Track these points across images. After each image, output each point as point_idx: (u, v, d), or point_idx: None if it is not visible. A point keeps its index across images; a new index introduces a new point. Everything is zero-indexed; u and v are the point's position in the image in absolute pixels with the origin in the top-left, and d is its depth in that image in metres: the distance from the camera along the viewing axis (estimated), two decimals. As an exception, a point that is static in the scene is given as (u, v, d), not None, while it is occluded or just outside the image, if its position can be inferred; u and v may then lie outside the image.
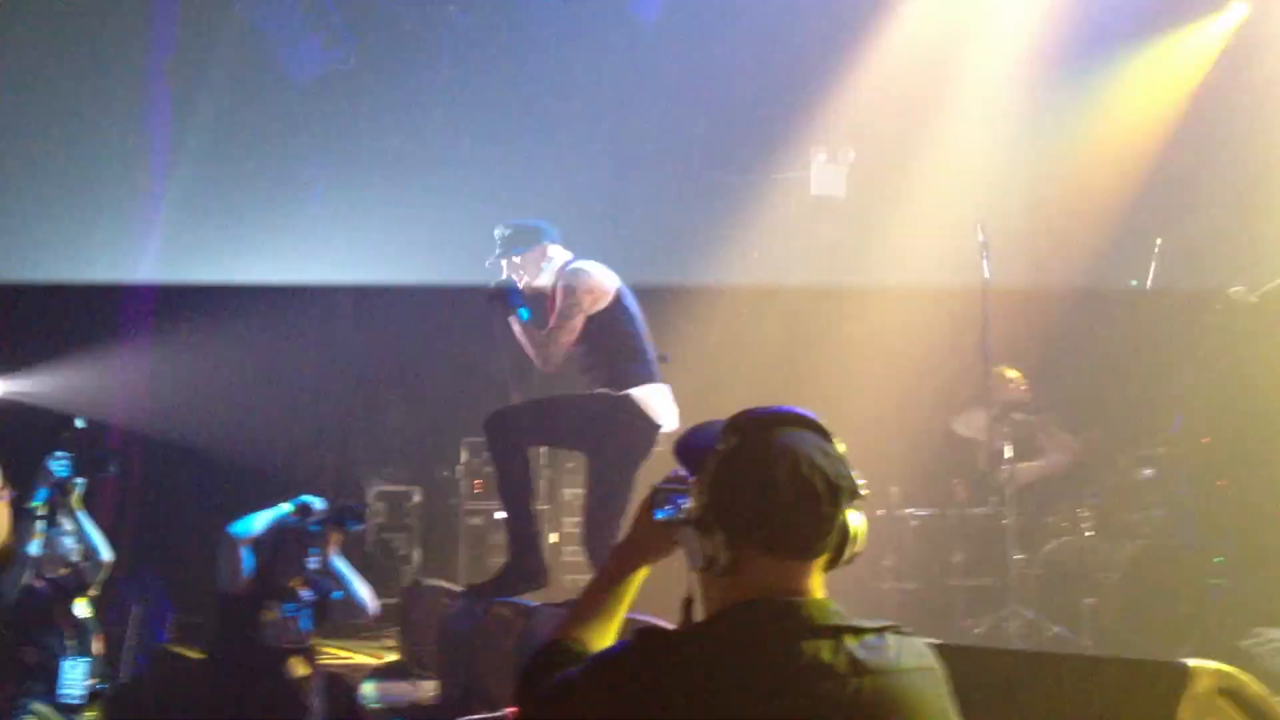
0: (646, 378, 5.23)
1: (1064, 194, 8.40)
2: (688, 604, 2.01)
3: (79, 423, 5.10)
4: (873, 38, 8.56)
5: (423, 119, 9.09)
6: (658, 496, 2.03)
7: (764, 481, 1.87)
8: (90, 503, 5.38)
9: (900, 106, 8.88)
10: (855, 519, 1.95)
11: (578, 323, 5.20)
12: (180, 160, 7.89)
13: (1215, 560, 6.14)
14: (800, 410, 1.99)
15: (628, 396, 5.14)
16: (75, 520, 5.24)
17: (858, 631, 1.85)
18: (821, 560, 1.93)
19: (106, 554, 5.40)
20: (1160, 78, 8.15)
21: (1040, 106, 8.32)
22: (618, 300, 5.30)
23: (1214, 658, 4.90)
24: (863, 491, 1.96)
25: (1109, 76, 8.28)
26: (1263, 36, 7.61)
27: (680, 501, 1.99)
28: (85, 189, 7.55)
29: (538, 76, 9.11)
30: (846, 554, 1.96)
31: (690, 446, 2.04)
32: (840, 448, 1.97)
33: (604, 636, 2.06)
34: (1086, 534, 6.80)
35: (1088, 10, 8.09)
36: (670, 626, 1.99)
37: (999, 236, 6.88)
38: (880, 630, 1.88)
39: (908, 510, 7.06)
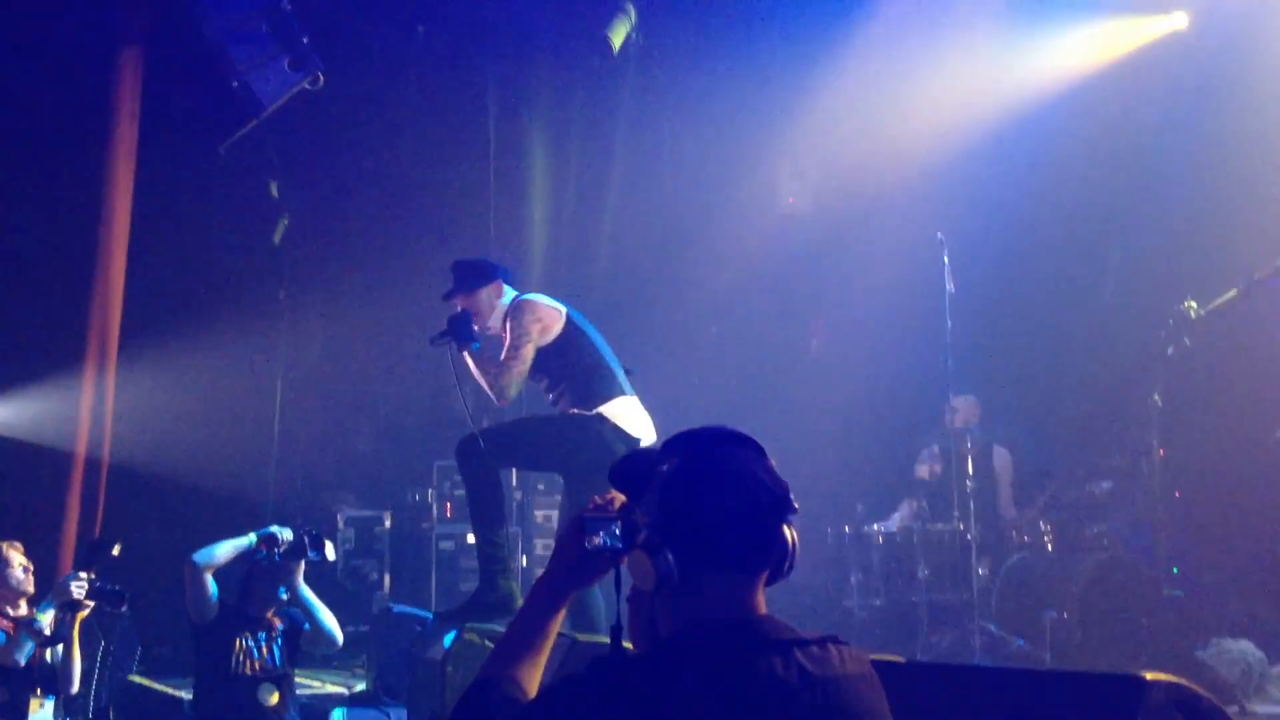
0: (615, 393, 5.25)
1: (1023, 206, 8.53)
2: (617, 631, 2.03)
3: (115, 550, 5.06)
4: (837, 55, 8.67)
5: (392, 139, 9.11)
6: (588, 525, 2.01)
7: (710, 498, 1.91)
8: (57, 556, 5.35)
9: (865, 121, 8.99)
10: (790, 534, 2.00)
11: (528, 353, 5.21)
12: (146, 179, 7.86)
13: (1173, 571, 6.26)
14: (734, 428, 2.04)
15: (599, 415, 5.17)
16: (68, 646, 5.15)
17: (803, 644, 1.90)
18: (764, 575, 1.97)
19: (75, 688, 5.31)
20: (1108, 82, 8.28)
21: (999, 120, 8.46)
22: (569, 325, 5.33)
23: (1173, 667, 5.03)
24: (795, 505, 2.00)
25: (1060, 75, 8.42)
26: (1210, 49, 7.76)
27: (613, 528, 2.00)
28: (44, 213, 7.50)
29: (506, 95, 9.16)
30: (785, 568, 2.00)
31: (627, 472, 2.05)
32: (772, 463, 2.02)
33: (535, 671, 2.05)
34: (1048, 548, 6.91)
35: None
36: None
37: (962, 250, 6.98)
38: (821, 641, 1.93)
39: (874, 526, 7.14)
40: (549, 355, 5.27)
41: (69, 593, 4.91)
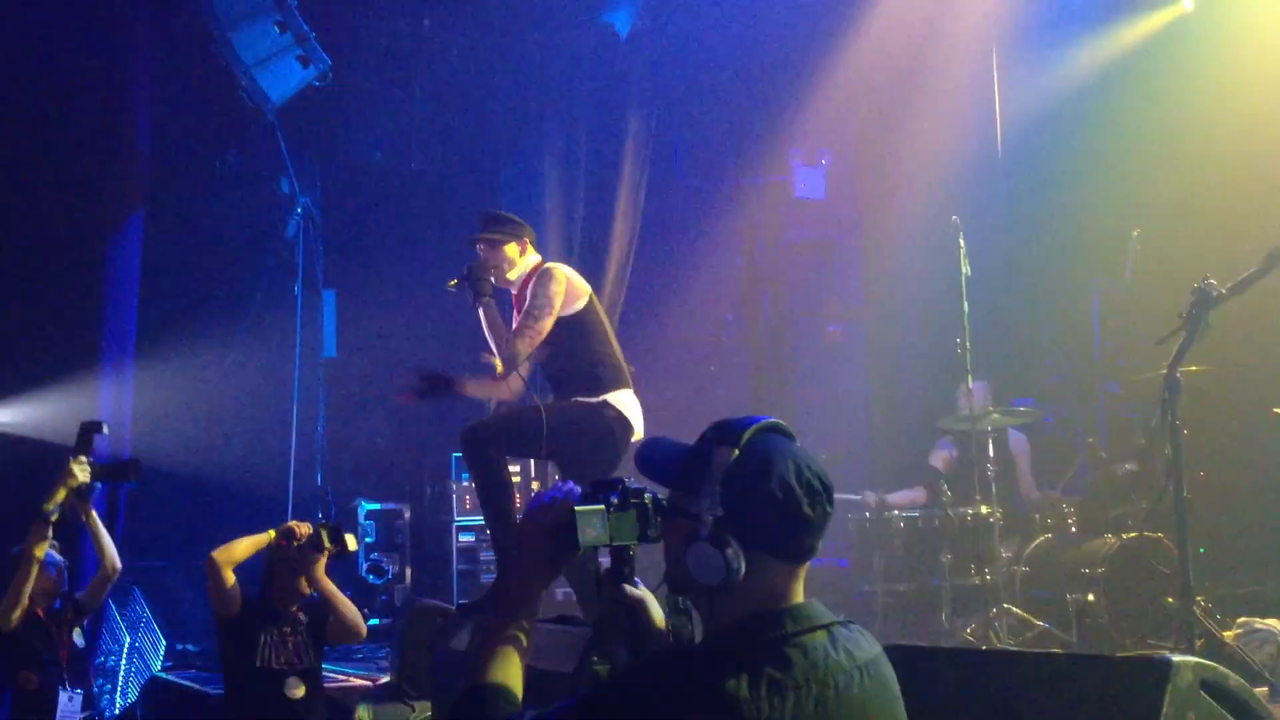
0: (622, 383, 5.24)
1: (1039, 186, 8.47)
2: (600, 627, 2.08)
3: (104, 429, 5.00)
4: (845, 41, 8.62)
5: (403, 132, 9.11)
6: (585, 519, 2.00)
7: (778, 488, 1.89)
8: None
9: (875, 107, 8.94)
10: None
11: (546, 324, 5.14)
12: (158, 177, 7.88)
13: (1199, 551, 6.18)
14: (771, 417, 2.02)
15: (606, 402, 5.15)
16: (92, 525, 5.17)
17: (835, 625, 1.92)
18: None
19: (117, 562, 5.31)
20: (1122, 66, 8.22)
21: (1010, 100, 8.40)
22: (590, 306, 5.30)
23: (1200, 648, 4.98)
24: None
25: (1075, 64, 8.35)
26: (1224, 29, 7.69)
27: (603, 519, 1.99)
28: (59, 214, 7.52)
29: (515, 87, 9.14)
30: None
31: (668, 462, 2.02)
32: None
33: (520, 671, 2.02)
34: (1071, 529, 6.86)
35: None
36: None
37: (978, 231, 6.92)
38: (846, 622, 1.95)
39: (895, 511, 7.10)
40: (565, 327, 5.21)
41: (74, 475, 4.85)
